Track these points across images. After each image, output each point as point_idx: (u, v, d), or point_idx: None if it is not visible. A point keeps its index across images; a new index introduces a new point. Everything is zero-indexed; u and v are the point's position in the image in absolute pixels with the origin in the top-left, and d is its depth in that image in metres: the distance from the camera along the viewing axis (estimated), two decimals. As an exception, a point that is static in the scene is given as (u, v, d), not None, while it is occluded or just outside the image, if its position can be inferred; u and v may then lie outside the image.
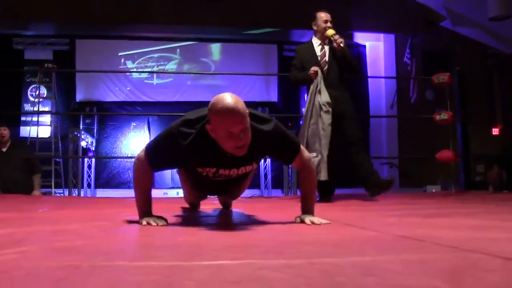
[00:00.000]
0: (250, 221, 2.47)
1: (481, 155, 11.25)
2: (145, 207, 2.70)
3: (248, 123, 2.42)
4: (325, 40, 5.62)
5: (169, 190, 10.49)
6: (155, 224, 2.54)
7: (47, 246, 1.84)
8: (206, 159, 2.65)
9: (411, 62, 11.68)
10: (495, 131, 12.69)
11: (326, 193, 5.42)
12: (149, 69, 12.85)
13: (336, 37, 5.42)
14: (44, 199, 6.04)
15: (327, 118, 5.23)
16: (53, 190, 9.63)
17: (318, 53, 5.61)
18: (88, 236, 2.25)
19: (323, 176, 5.09)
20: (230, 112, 2.33)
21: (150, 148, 2.68)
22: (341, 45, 5.38)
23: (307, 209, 2.81)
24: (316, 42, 5.69)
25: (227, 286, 1.16)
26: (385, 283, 1.21)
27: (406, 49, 11.87)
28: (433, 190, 10.13)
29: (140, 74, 12.82)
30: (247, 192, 7.76)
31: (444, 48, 11.94)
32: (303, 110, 12.45)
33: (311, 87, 5.42)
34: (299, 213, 2.84)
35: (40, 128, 10.67)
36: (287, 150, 2.74)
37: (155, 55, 12.91)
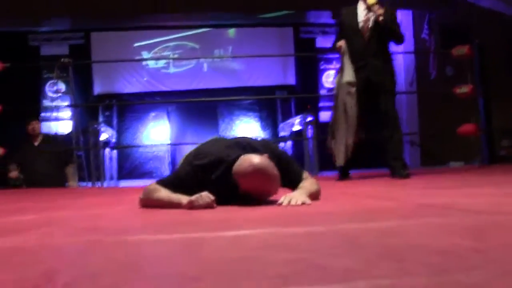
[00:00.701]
0: (271, 200, 2.46)
1: (506, 129, 11.10)
2: (175, 198, 2.55)
3: (276, 187, 2.49)
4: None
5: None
6: (202, 202, 2.40)
7: (71, 226, 1.86)
8: (217, 188, 2.54)
9: (429, 38, 11.55)
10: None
11: (345, 172, 5.19)
12: (165, 58, 12.84)
13: (376, 7, 4.93)
14: (69, 190, 6.09)
15: (350, 100, 4.88)
16: (78, 183, 9.70)
17: (361, 18, 5.07)
18: (111, 218, 2.27)
19: (340, 161, 4.93)
20: (261, 180, 2.40)
21: (164, 179, 2.72)
22: (380, 18, 4.89)
23: (301, 187, 2.65)
24: (361, 6, 5.12)
25: (250, 253, 1.16)
26: (407, 243, 1.20)
27: (424, 25, 11.73)
28: (457, 166, 10.04)
29: (156, 64, 12.82)
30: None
31: (462, 21, 11.76)
32: (321, 92, 12.47)
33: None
34: (324, 191, 2.82)
35: (60, 123, 10.75)
36: (293, 180, 2.73)
37: (171, 44, 12.89)
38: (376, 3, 4.94)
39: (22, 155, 6.88)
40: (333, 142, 5.05)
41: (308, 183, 2.71)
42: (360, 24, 5.05)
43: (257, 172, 2.35)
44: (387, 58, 5.15)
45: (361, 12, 5.09)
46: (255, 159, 2.38)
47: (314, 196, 2.65)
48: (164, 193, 2.58)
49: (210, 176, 2.55)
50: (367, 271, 0.90)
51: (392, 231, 1.39)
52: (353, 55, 5.00)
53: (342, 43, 5.04)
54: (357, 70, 4.95)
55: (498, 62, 11.25)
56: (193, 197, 2.40)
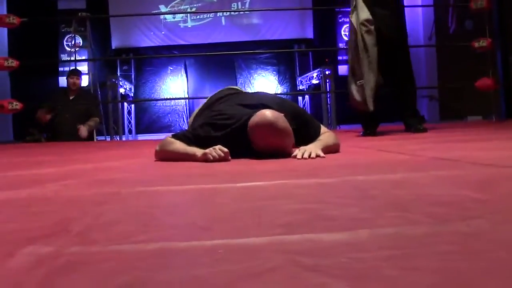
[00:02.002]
0: (286, 154, 2.50)
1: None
2: (190, 150, 2.59)
3: (290, 143, 2.53)
4: None
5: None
6: (216, 155, 2.44)
7: (89, 179, 1.90)
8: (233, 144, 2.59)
9: (448, -9, 11.37)
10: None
11: (371, 126, 4.91)
12: (183, 12, 12.78)
13: None
14: (88, 144, 6.15)
15: (369, 39, 4.56)
16: (95, 137, 9.80)
17: None
18: (128, 170, 2.31)
19: (370, 106, 4.54)
20: (274, 136, 2.43)
21: (182, 133, 2.77)
22: None
23: (317, 141, 2.69)
24: None
25: (259, 203, 1.19)
26: (413, 193, 1.23)
27: (443, -23, 11.54)
28: (475, 120, 9.99)
29: (174, 18, 12.76)
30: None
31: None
32: (339, 45, 12.36)
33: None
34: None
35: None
36: (311, 135, 2.76)
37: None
38: None
39: (55, 105, 6.96)
40: (356, 89, 4.70)
41: (325, 136, 2.74)
42: None
43: (269, 126, 2.37)
44: (396, 6, 4.94)
45: None
46: (268, 113, 2.40)
47: (332, 149, 2.69)
48: (180, 145, 2.63)
49: (225, 134, 2.59)
50: (372, 221, 0.93)
51: (400, 183, 1.42)
52: None
53: None
54: None
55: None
56: (207, 150, 2.45)
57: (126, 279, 0.64)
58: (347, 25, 12.56)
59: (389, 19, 4.76)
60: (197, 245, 0.79)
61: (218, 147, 2.45)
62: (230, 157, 2.46)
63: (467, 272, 0.61)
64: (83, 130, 6.86)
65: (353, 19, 4.72)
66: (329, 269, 0.64)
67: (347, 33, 12.45)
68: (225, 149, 2.45)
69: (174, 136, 2.72)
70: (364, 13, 4.63)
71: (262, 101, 2.75)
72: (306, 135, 2.72)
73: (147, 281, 0.63)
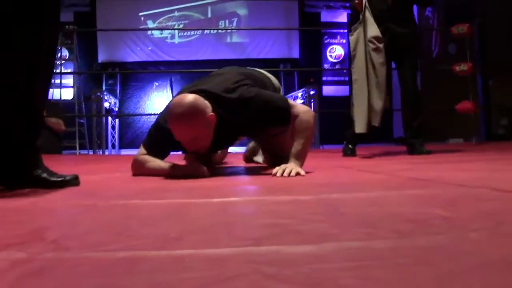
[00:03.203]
0: (265, 171, 2.53)
1: (505, 108, 11.10)
2: (164, 165, 2.63)
3: (200, 132, 2.43)
4: None
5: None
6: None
7: (68, 190, 1.92)
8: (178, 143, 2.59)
9: (433, 16, 11.53)
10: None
11: (352, 143, 4.79)
12: (170, 28, 12.84)
13: None
14: (67, 157, 6.15)
15: (377, 58, 4.28)
16: (78, 151, 9.78)
17: None
18: (107, 183, 2.33)
19: (361, 127, 4.28)
20: (175, 124, 2.39)
21: (146, 142, 2.76)
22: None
23: (294, 155, 2.56)
24: None
25: (232, 218, 1.23)
26: (383, 211, 1.26)
27: (428, 2, 11.67)
28: (456, 142, 10.09)
29: (161, 34, 12.83)
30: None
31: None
32: (324, 66, 12.47)
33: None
34: (317, 164, 2.86)
35: (63, 90, 10.79)
36: (276, 120, 2.65)
37: (176, 14, 12.90)
38: None
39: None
40: (353, 107, 4.42)
41: (299, 141, 2.59)
42: None
43: (177, 107, 2.38)
44: (411, 25, 4.73)
45: None
46: (181, 100, 2.40)
47: (309, 139, 2.64)
48: (154, 164, 2.65)
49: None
50: (338, 235, 0.96)
51: (373, 201, 1.45)
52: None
53: None
54: None
55: (502, 40, 11.22)
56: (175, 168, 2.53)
57: (95, 282, 0.67)
58: (332, 46, 12.77)
59: (405, 38, 4.61)
60: (166, 254, 0.82)
61: (195, 163, 2.53)
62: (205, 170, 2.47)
63: (418, 281, 0.65)
64: (57, 123, 6.76)
65: (354, 37, 4.44)
66: (289, 278, 0.67)
67: (332, 54, 12.61)
68: (203, 168, 2.48)
69: (144, 147, 2.73)
70: (373, 30, 4.35)
71: (204, 86, 2.64)
72: (274, 122, 2.68)
73: (114, 285, 0.66)
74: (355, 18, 4.60)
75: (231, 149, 4.39)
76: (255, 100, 2.57)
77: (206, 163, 2.69)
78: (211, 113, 2.46)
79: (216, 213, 1.30)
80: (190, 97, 2.40)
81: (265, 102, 2.58)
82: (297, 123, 2.59)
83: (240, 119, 2.56)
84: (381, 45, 4.30)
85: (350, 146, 4.82)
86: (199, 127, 2.41)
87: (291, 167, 2.42)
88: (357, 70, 4.35)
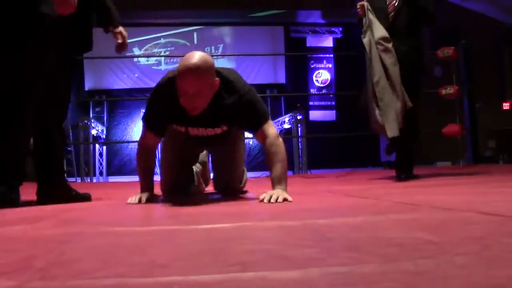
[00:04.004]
0: (251, 197, 2.54)
1: (492, 130, 11.18)
2: (143, 184, 2.80)
3: (203, 89, 2.49)
4: None
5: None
6: (137, 201, 2.58)
7: (55, 219, 1.91)
8: (174, 115, 2.74)
9: (418, 38, 11.63)
10: (506, 105, 12.51)
11: (404, 167, 4.47)
12: (157, 55, 12.88)
13: None
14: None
15: (388, 58, 4.22)
16: (66, 178, 9.71)
17: None
18: (94, 210, 2.33)
19: (394, 131, 4.13)
20: (183, 74, 2.44)
21: (144, 114, 2.87)
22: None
23: (277, 180, 2.57)
24: None
25: (219, 244, 1.22)
26: (370, 236, 1.26)
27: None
28: (444, 165, 10.15)
29: (147, 61, 12.87)
30: (257, 174, 7.79)
31: (452, 23, 11.86)
32: (311, 90, 12.52)
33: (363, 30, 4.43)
34: (304, 189, 2.86)
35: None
36: (252, 119, 2.72)
37: (162, 41, 12.95)
38: None
39: None
40: (379, 112, 4.25)
41: (279, 165, 2.61)
42: (387, 0, 4.46)
43: (190, 58, 2.46)
44: (414, 43, 4.50)
45: None
46: (194, 53, 2.51)
47: (286, 163, 2.65)
48: (141, 171, 2.88)
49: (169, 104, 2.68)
50: (325, 260, 0.96)
51: (359, 226, 1.46)
52: None
53: (364, 2, 4.41)
54: None
55: (487, 63, 11.35)
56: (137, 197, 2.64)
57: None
58: (318, 71, 12.85)
59: (405, 56, 4.36)
60: (154, 281, 0.82)
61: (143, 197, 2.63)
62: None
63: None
64: None
65: (366, 40, 4.38)
66: (276, 304, 0.67)
67: (318, 79, 12.69)
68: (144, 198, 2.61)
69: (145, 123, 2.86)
70: (380, 31, 4.30)
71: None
72: (248, 121, 2.75)
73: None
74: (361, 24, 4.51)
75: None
76: (250, 94, 2.70)
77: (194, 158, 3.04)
78: (217, 78, 2.57)
79: (203, 239, 1.31)
80: (203, 54, 2.52)
81: (257, 100, 2.72)
82: (273, 146, 2.64)
83: (231, 102, 2.66)
84: (389, 45, 4.25)
85: (402, 175, 4.43)
86: (205, 83, 2.48)
87: (278, 193, 2.41)
88: (376, 71, 4.25)
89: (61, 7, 2.47)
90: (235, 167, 3.28)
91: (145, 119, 2.84)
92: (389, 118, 4.15)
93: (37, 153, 2.82)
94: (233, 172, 3.30)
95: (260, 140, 2.74)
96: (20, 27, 2.51)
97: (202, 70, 2.44)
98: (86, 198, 2.84)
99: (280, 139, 2.70)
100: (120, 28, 3.08)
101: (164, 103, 2.71)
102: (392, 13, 4.40)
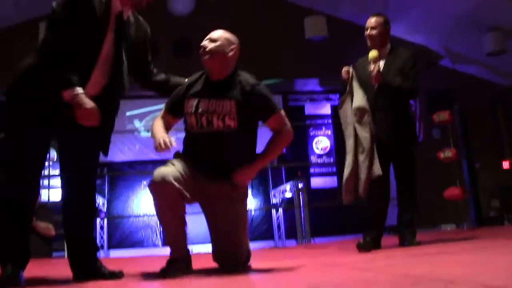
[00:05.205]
0: (256, 271, 2.50)
1: (495, 190, 11.15)
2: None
3: (223, 41, 3.02)
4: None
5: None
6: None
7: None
8: (191, 86, 3.13)
9: (414, 103, 11.71)
10: (506, 164, 12.47)
11: (373, 232, 4.28)
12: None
13: (372, 66, 4.31)
14: (57, 261, 6.05)
15: (362, 130, 4.15)
16: (67, 253, 9.62)
17: (373, 51, 4.39)
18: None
19: (361, 190, 4.10)
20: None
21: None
22: (373, 80, 4.30)
23: (261, 156, 3.10)
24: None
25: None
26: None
27: (410, 90, 11.87)
28: (448, 229, 10.05)
29: (148, 132, 12.94)
30: (260, 244, 7.72)
31: (446, 86, 11.98)
32: (311, 158, 12.53)
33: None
34: (309, 261, 2.84)
35: (51, 191, 10.72)
36: (266, 105, 3.04)
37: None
38: (376, 60, 4.32)
39: None
40: (348, 176, 4.19)
41: (272, 147, 3.14)
42: (370, 73, 4.33)
43: None
44: (400, 113, 4.45)
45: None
46: None
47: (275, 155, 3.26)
48: (156, 126, 3.26)
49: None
50: None
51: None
52: None
53: (349, 68, 4.38)
54: None
55: (483, 124, 11.43)
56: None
57: None
58: (318, 138, 12.89)
59: (392, 130, 4.34)
60: None
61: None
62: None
63: None
64: (47, 228, 6.73)
65: (342, 110, 4.33)
66: None
67: (318, 147, 12.74)
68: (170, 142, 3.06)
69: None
70: (359, 101, 4.21)
71: None
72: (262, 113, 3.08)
73: None
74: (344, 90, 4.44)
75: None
76: (264, 86, 3.11)
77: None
78: (235, 46, 3.07)
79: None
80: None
81: (269, 92, 3.10)
82: (283, 137, 3.13)
83: (245, 84, 3.02)
84: (365, 118, 4.16)
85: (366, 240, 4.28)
86: (226, 37, 3.05)
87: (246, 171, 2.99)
88: (349, 142, 4.25)
89: (84, 122, 2.59)
90: (238, 233, 2.96)
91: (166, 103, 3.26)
92: (360, 178, 4.14)
93: (69, 234, 2.98)
94: (237, 240, 2.94)
95: (272, 127, 3.13)
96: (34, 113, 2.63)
97: (230, 33, 3.07)
98: (117, 275, 2.87)
99: (290, 134, 3.14)
100: None
101: (186, 81, 3.18)
102: (376, 85, 4.34)
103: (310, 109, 12.84)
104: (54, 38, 2.54)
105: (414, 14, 10.21)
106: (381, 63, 4.40)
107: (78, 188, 2.91)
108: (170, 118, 3.25)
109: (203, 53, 2.99)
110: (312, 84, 12.27)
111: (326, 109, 13.01)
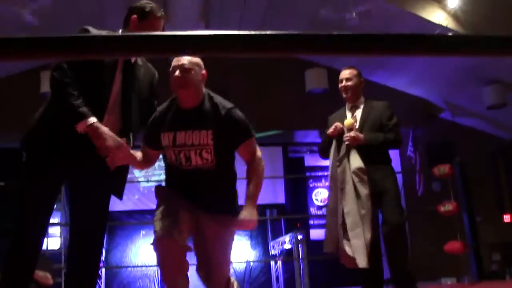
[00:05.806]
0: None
1: (496, 243, 11.08)
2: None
3: (195, 68, 2.94)
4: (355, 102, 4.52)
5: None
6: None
7: None
8: (166, 119, 3.03)
9: (414, 155, 11.70)
10: (507, 218, 12.40)
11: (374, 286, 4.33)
12: (157, 177, 12.95)
13: (346, 136, 4.28)
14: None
15: (363, 189, 4.09)
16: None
17: (348, 118, 4.40)
18: None
19: (363, 262, 3.95)
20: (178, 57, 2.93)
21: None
22: (347, 143, 4.26)
23: (251, 195, 3.09)
24: (348, 105, 4.56)
25: None
26: None
27: (409, 143, 11.89)
28: (449, 282, 9.95)
29: (148, 182, 12.91)
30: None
31: (446, 138, 12.00)
32: (311, 210, 12.47)
33: (331, 151, 4.43)
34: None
35: (50, 239, 10.65)
36: (241, 129, 3.03)
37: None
38: (352, 127, 4.32)
39: None
40: (348, 244, 4.08)
41: (254, 182, 3.14)
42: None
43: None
44: (381, 165, 4.37)
45: (348, 112, 4.54)
46: None
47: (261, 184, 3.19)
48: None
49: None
50: None
51: None
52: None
53: (339, 124, 4.35)
54: None
55: (483, 177, 11.42)
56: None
57: None
58: (317, 189, 12.85)
59: (383, 184, 4.26)
60: None
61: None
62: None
63: None
64: (45, 277, 6.65)
65: (341, 168, 4.26)
66: None
67: (318, 198, 12.69)
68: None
69: None
70: (357, 161, 4.19)
71: None
72: (232, 134, 3.02)
73: None
74: (328, 144, 4.55)
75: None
76: (237, 110, 3.06)
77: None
78: (204, 71, 3.03)
79: None
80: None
81: (243, 116, 3.07)
82: (255, 165, 3.15)
83: (219, 108, 2.98)
84: (365, 177, 4.13)
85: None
86: (197, 64, 2.96)
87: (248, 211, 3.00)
88: (348, 202, 4.12)
89: (104, 149, 2.63)
90: (220, 254, 3.19)
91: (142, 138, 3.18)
92: (359, 250, 4.01)
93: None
94: (217, 257, 3.17)
95: (243, 155, 3.12)
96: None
97: (195, 59, 2.95)
98: None
99: (262, 162, 3.20)
100: None
101: (157, 113, 3.08)
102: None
103: (310, 160, 12.85)
104: (62, 81, 2.57)
105: (414, 66, 10.30)
106: (358, 114, 4.45)
107: (87, 236, 2.94)
108: (150, 151, 3.20)
109: (179, 85, 2.93)
110: (312, 136, 12.29)
111: (326, 161, 13.01)
